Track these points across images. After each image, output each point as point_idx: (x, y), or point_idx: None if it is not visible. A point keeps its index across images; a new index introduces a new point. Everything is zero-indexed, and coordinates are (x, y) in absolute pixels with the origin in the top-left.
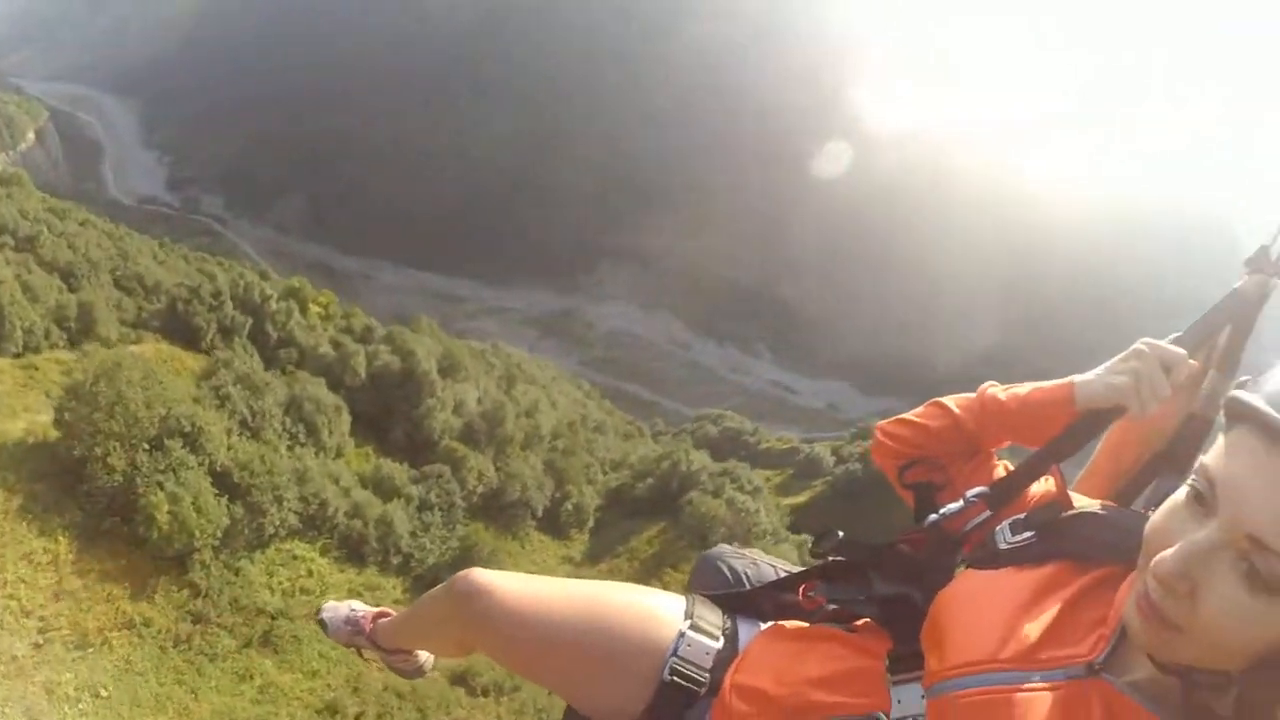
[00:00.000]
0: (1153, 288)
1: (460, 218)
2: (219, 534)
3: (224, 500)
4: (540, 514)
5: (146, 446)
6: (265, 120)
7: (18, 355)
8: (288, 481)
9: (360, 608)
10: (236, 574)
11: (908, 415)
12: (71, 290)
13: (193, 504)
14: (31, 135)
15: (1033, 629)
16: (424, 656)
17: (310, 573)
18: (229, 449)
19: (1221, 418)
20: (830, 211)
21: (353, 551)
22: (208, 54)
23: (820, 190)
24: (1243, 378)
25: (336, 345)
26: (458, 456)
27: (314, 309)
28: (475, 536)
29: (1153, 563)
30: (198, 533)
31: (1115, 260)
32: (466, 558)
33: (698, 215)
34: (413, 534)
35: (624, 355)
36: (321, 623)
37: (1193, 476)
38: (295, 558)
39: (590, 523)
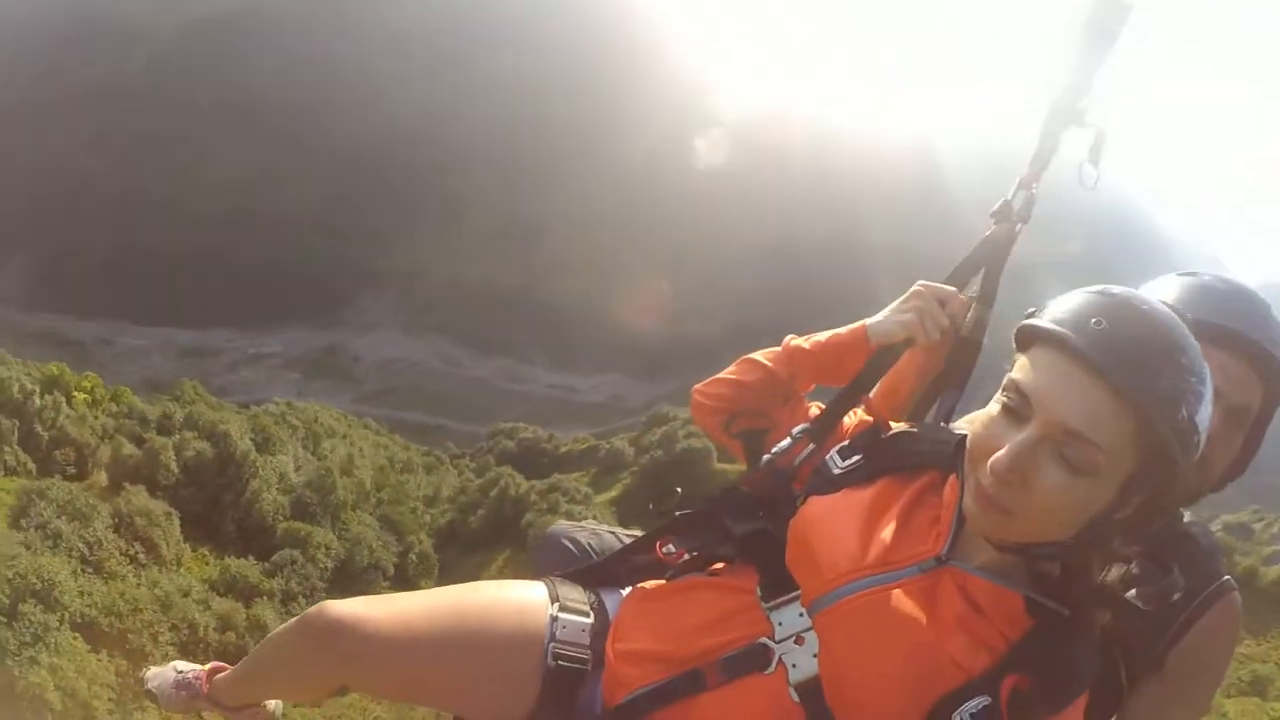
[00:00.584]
0: (897, 250)
1: (201, 261)
2: (113, 694)
3: (104, 655)
4: (391, 572)
5: (3, 618)
6: None
7: None
8: (156, 614)
9: (186, 666)
10: None
11: (721, 374)
12: None
13: (77, 671)
14: None
15: (884, 535)
16: (272, 705)
17: None
18: (82, 595)
19: (1012, 343)
20: (584, 206)
21: (235, 664)
22: None
23: (572, 185)
24: (1029, 309)
25: (139, 441)
26: (302, 536)
27: (79, 396)
28: None
29: (989, 462)
30: (95, 702)
31: (867, 224)
32: None
33: (450, 227)
34: None
35: (399, 384)
36: (150, 694)
37: (1003, 393)
38: None
39: (435, 568)
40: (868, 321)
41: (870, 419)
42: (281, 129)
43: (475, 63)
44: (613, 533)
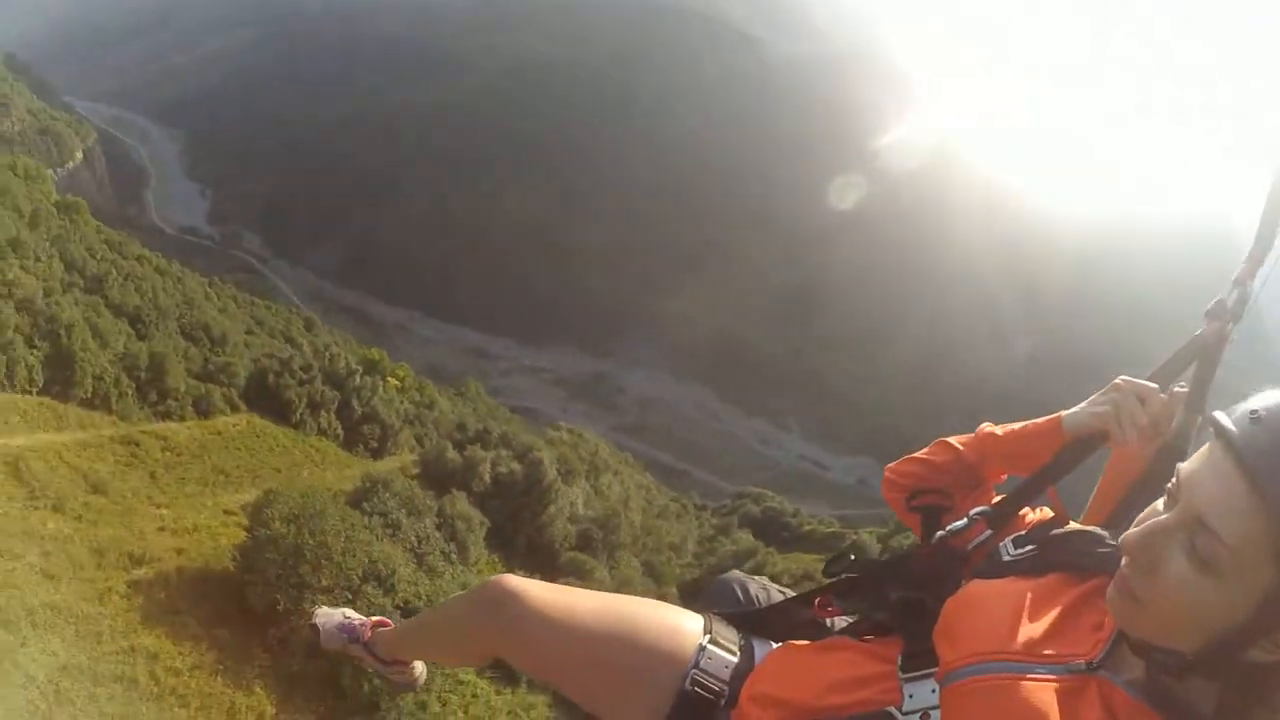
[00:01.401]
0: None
1: (496, 275)
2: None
3: None
4: None
5: (349, 596)
6: (307, 163)
7: (87, 401)
8: None
9: (355, 615)
10: (423, 708)
11: (915, 454)
12: (140, 337)
13: None
14: (79, 155)
15: (1037, 627)
16: (419, 669)
17: (475, 696)
18: (411, 585)
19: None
20: (861, 284)
21: (506, 671)
22: (253, 91)
23: (853, 261)
24: (1225, 407)
25: (460, 447)
26: (586, 569)
27: (391, 382)
28: None
29: (1123, 537)
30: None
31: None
32: None
33: (725, 283)
34: None
35: (656, 421)
36: (314, 628)
37: (1171, 481)
38: (460, 683)
39: None
40: (1064, 413)
41: (1052, 513)
42: (578, 168)
43: (775, 124)
44: (782, 592)
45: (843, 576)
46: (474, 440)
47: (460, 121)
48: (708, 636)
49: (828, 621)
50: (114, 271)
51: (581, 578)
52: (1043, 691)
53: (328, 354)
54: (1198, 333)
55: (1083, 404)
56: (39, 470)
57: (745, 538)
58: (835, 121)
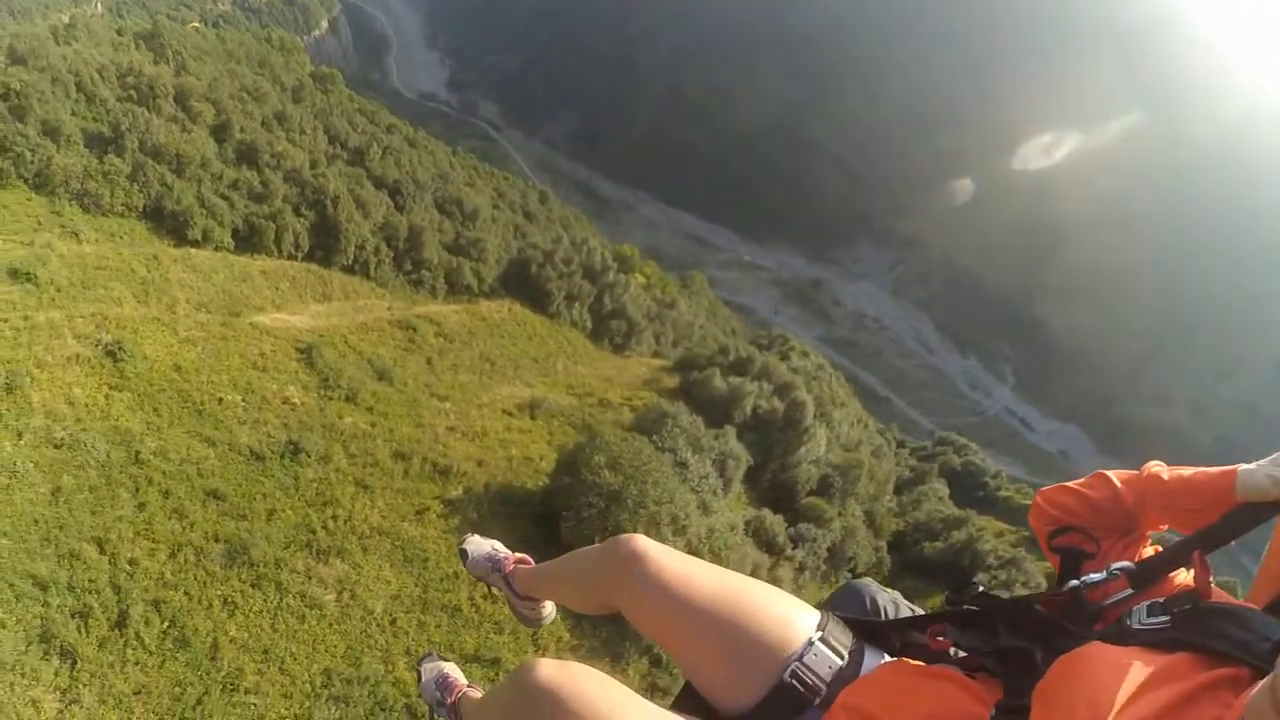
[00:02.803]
0: None
1: (726, 164)
2: None
3: None
4: (860, 568)
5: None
6: (548, 37)
7: (348, 268)
8: (740, 558)
9: (502, 549)
10: None
11: (1070, 484)
12: (399, 209)
13: None
14: (325, 24)
15: (1148, 707)
16: (548, 609)
17: None
18: (696, 526)
19: None
20: (1106, 235)
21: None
22: None
23: (1098, 208)
24: None
25: (726, 380)
26: (825, 518)
27: (638, 278)
28: None
29: None
30: None
31: None
32: None
33: (963, 209)
34: None
35: (864, 340)
36: (463, 553)
37: None
38: None
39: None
40: (1241, 467)
41: (1194, 583)
42: (829, 64)
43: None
44: (911, 609)
45: (963, 608)
46: (736, 369)
47: (701, 19)
48: (819, 634)
49: (952, 653)
50: (374, 145)
51: (818, 524)
52: None
53: (585, 248)
54: None
55: (1266, 460)
56: (330, 358)
57: (942, 489)
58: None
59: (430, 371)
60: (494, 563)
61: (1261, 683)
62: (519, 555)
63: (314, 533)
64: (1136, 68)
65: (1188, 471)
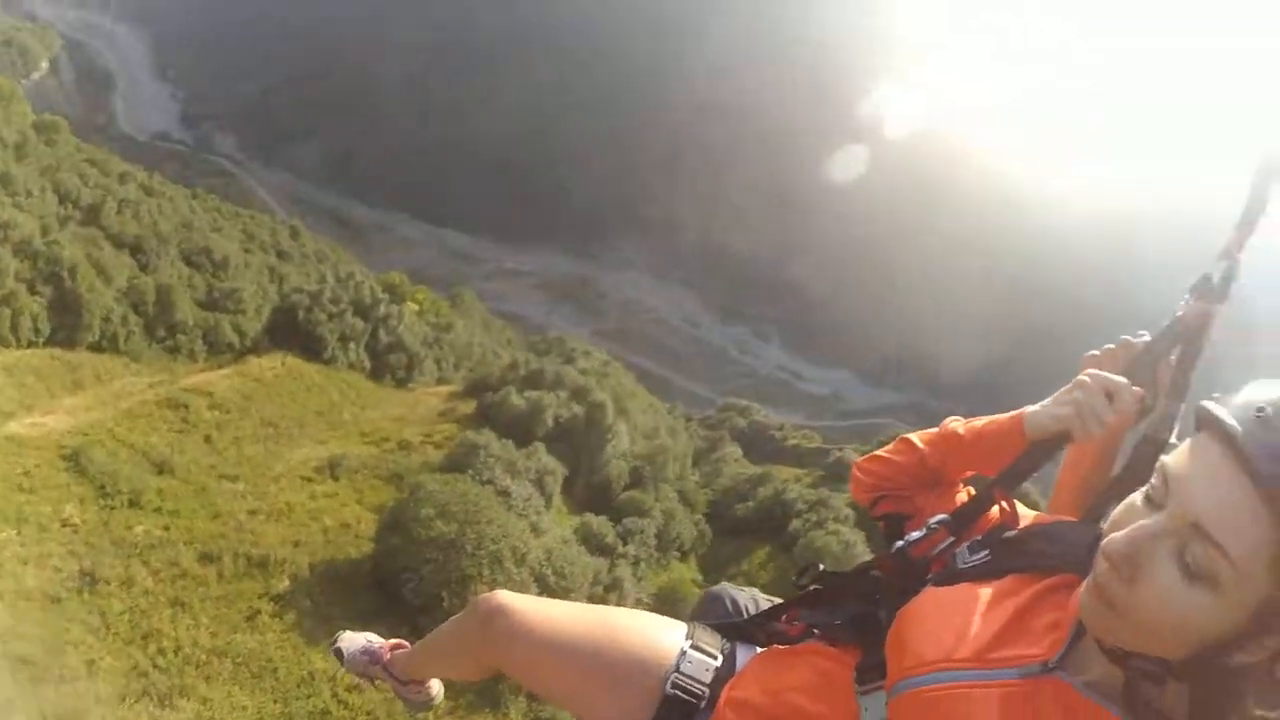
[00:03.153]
0: (1151, 292)
1: (480, 173)
2: None
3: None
4: (688, 545)
5: (500, 577)
6: (284, 59)
7: (96, 346)
8: (582, 569)
9: (376, 639)
10: None
11: (880, 452)
12: (144, 269)
13: None
14: (45, 64)
15: (988, 632)
16: (435, 689)
17: None
18: (536, 550)
19: (1174, 439)
20: (845, 199)
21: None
22: None
23: (844, 172)
24: (1214, 394)
25: (524, 396)
26: (645, 508)
27: (411, 306)
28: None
29: (1103, 544)
30: None
31: (1114, 264)
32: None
33: (714, 187)
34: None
35: (634, 327)
36: (337, 652)
37: (1153, 477)
38: None
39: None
40: (1026, 410)
41: (1000, 513)
42: (579, 59)
43: (774, 43)
44: (770, 600)
45: (809, 589)
46: (530, 382)
47: (446, 9)
48: (689, 643)
49: (813, 631)
50: (109, 199)
51: (640, 515)
52: (990, 698)
53: (351, 282)
54: (1179, 312)
55: (1046, 401)
56: (102, 460)
57: (736, 451)
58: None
59: (213, 451)
60: (370, 655)
61: (1086, 580)
62: (394, 641)
63: (146, 675)
64: None
65: (980, 422)
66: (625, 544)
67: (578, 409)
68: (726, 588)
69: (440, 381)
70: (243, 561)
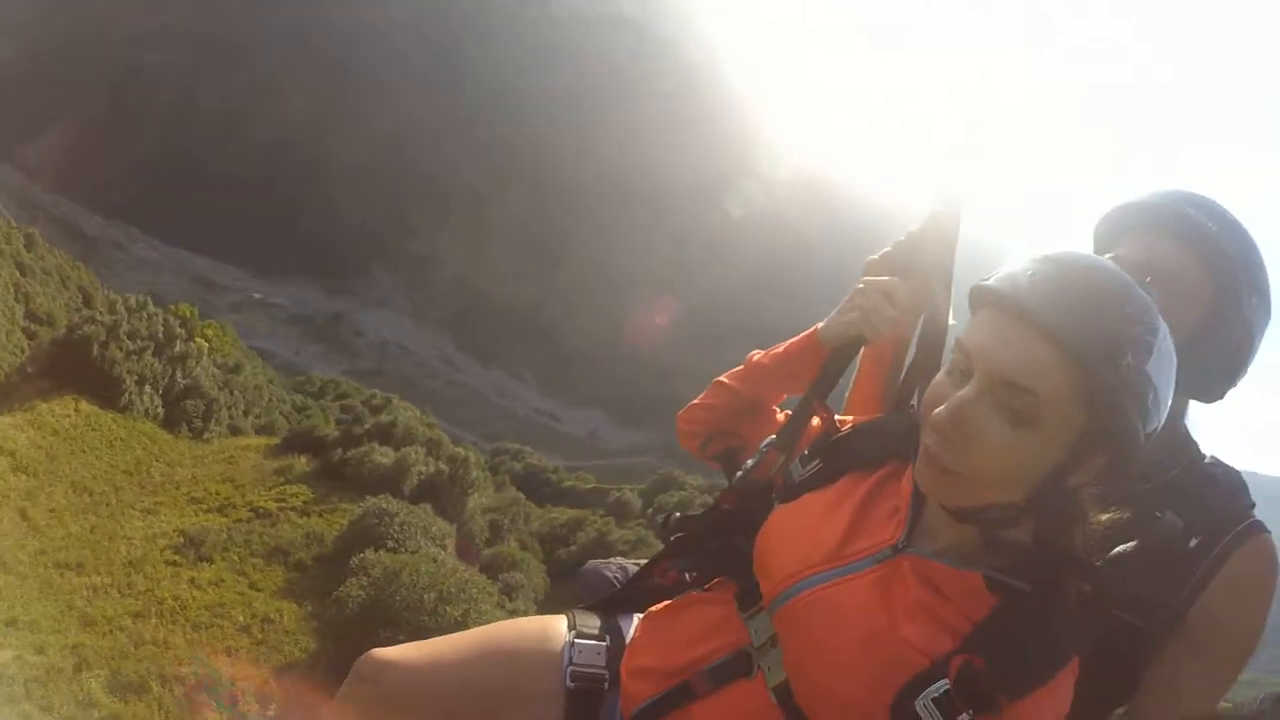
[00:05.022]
0: None
1: (229, 192)
2: None
3: None
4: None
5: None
6: (16, 41)
7: None
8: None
9: None
10: None
11: (696, 401)
12: None
13: None
14: None
15: (837, 531)
16: None
17: None
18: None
19: (951, 321)
20: (608, 240)
21: None
22: None
23: (601, 218)
24: (984, 276)
25: (382, 447)
26: (515, 560)
27: (199, 343)
28: None
29: (930, 419)
30: None
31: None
32: None
33: (476, 229)
34: None
35: (392, 369)
36: None
37: (952, 354)
38: None
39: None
40: (819, 325)
41: (820, 422)
42: (350, 81)
43: (532, 78)
44: (636, 564)
45: (674, 539)
46: (379, 435)
47: (218, 10)
48: (573, 632)
49: (686, 578)
50: None
51: (516, 569)
52: (855, 588)
53: (144, 313)
54: (933, 216)
55: (833, 313)
56: None
57: (519, 496)
58: (606, 81)
59: (32, 530)
60: None
61: (918, 458)
62: None
63: None
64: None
65: (780, 347)
66: (511, 600)
67: (442, 465)
68: (592, 565)
69: (233, 430)
70: (178, 688)
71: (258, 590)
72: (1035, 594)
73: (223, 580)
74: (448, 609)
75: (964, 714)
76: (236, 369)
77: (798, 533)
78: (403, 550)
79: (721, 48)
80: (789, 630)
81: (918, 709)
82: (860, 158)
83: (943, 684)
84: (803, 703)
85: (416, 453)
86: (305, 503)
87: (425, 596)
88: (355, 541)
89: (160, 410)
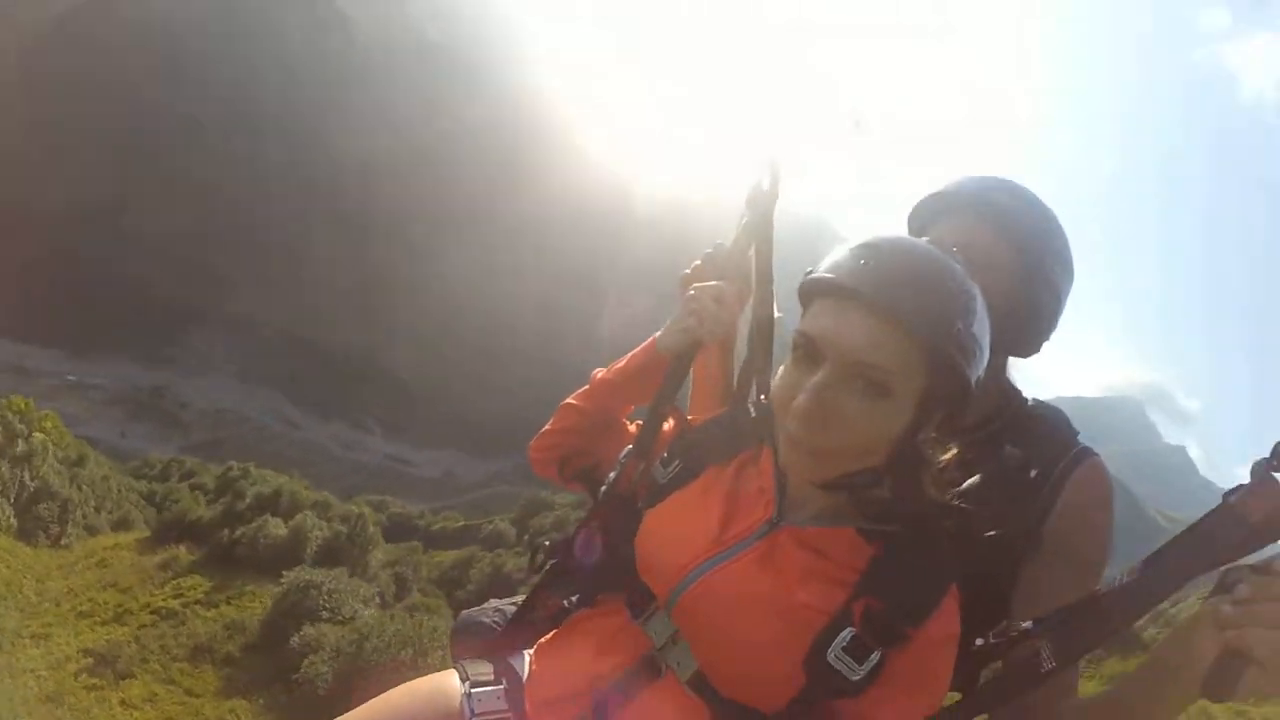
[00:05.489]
0: None
1: (29, 271)
2: None
3: None
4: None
5: None
6: None
7: None
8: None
9: None
10: None
11: (546, 428)
12: None
13: None
14: None
15: (712, 521)
16: None
17: None
18: None
19: (777, 313)
20: (432, 275)
21: None
22: None
23: (422, 254)
24: (808, 269)
25: (274, 519)
26: (434, 606)
27: (39, 436)
28: None
29: (792, 408)
30: None
31: None
32: None
33: (296, 279)
34: None
35: (229, 436)
36: None
37: (794, 346)
38: None
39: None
40: (656, 335)
41: (674, 424)
42: (151, 144)
43: (338, 115)
44: (512, 603)
45: (548, 567)
46: (256, 507)
47: (8, 76)
48: (467, 683)
49: (569, 604)
50: None
51: (436, 615)
52: (744, 568)
53: None
54: (743, 220)
55: (668, 323)
56: None
57: (414, 544)
58: (415, 108)
59: None
60: None
61: (781, 444)
62: None
63: None
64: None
65: (621, 362)
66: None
67: (338, 526)
68: (467, 614)
69: (90, 530)
70: None
71: (197, 696)
72: (906, 535)
73: (155, 695)
74: (427, 659)
75: (874, 653)
76: (80, 461)
77: (676, 529)
78: (338, 618)
79: (531, 69)
80: (691, 621)
81: (831, 661)
82: (666, 162)
83: (848, 632)
84: (721, 687)
85: (309, 518)
86: (207, 593)
87: (403, 653)
88: (285, 621)
89: (13, 520)
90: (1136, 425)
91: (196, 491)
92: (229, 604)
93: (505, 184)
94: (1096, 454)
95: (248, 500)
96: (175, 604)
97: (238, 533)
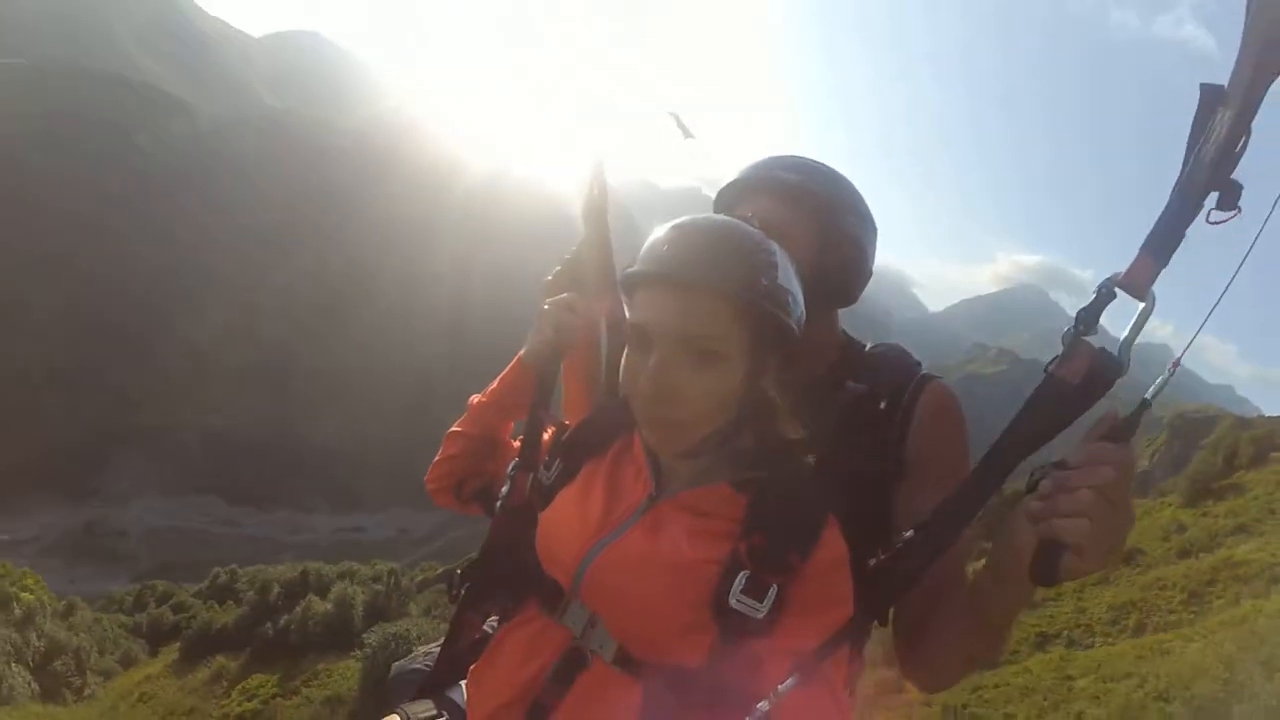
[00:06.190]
0: None
1: None
2: None
3: None
4: None
5: None
6: None
7: None
8: None
9: None
10: None
11: (437, 458)
12: None
13: None
14: None
15: (597, 508)
16: None
17: None
18: None
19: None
20: (330, 341)
21: None
22: None
23: (301, 327)
24: (626, 266)
25: (316, 597)
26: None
27: (26, 596)
28: None
29: (635, 391)
30: None
31: None
32: None
33: (195, 375)
34: None
35: (174, 556)
36: None
37: (628, 337)
38: None
39: None
40: (521, 353)
41: (552, 430)
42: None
43: (213, 198)
44: (438, 645)
45: (465, 593)
46: (291, 594)
47: None
48: None
49: (487, 629)
50: None
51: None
52: (634, 540)
53: None
54: (580, 222)
55: (529, 337)
56: None
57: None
58: (274, 186)
59: None
60: None
61: (640, 428)
62: None
63: None
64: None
65: (495, 383)
66: None
67: (377, 586)
68: (399, 665)
69: (104, 675)
70: None
71: None
72: (775, 477)
73: None
74: None
75: (771, 587)
76: (71, 610)
77: (567, 521)
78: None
79: (373, 128)
80: (598, 598)
81: (734, 605)
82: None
83: (743, 575)
84: (643, 656)
85: (348, 587)
86: (278, 685)
87: None
88: (380, 683)
89: (33, 685)
90: (1041, 308)
91: (170, 614)
92: (308, 686)
93: (381, 241)
94: (939, 377)
95: (275, 591)
96: (254, 704)
97: (281, 622)
